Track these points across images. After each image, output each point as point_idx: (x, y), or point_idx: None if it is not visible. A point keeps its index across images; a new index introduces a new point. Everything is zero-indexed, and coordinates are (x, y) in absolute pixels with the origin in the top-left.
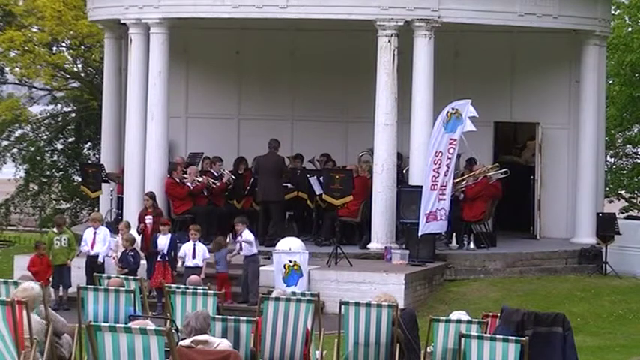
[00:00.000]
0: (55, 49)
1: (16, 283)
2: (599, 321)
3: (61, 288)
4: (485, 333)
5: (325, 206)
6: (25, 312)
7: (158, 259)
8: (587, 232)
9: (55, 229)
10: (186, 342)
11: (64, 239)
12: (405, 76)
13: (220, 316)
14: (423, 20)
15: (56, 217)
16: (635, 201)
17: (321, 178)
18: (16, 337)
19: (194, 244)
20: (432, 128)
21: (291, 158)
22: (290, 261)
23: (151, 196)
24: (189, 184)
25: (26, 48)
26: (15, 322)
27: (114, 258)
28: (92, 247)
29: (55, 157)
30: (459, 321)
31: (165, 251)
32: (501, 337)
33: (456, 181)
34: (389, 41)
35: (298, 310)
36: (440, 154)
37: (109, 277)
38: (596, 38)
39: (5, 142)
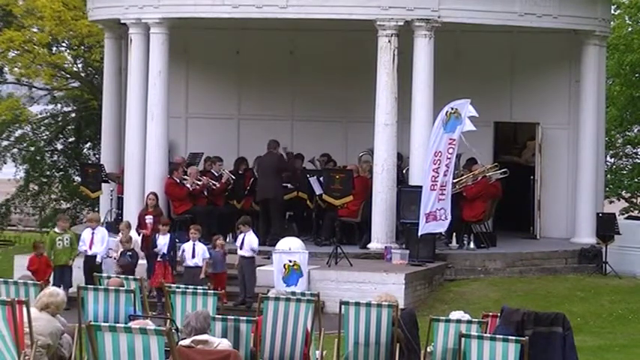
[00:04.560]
0: (54, 49)
1: (16, 283)
2: (599, 321)
3: (61, 288)
4: (485, 333)
5: (325, 206)
6: (25, 312)
7: (158, 259)
8: (587, 232)
9: (56, 229)
10: (186, 342)
11: (67, 239)
12: (405, 76)
13: (220, 316)
14: (423, 20)
15: (59, 217)
16: (635, 201)
17: (321, 178)
18: (16, 337)
19: (194, 244)
20: (432, 128)
21: (290, 154)
22: (290, 261)
23: (156, 195)
24: (188, 185)
25: (26, 48)
26: (15, 322)
27: (115, 258)
28: (90, 247)
29: (55, 157)
30: (459, 321)
31: (165, 251)
32: (501, 337)
33: (455, 181)
34: (389, 41)
35: (298, 310)
36: (439, 154)
37: (108, 277)
38: (596, 38)
39: (5, 142)
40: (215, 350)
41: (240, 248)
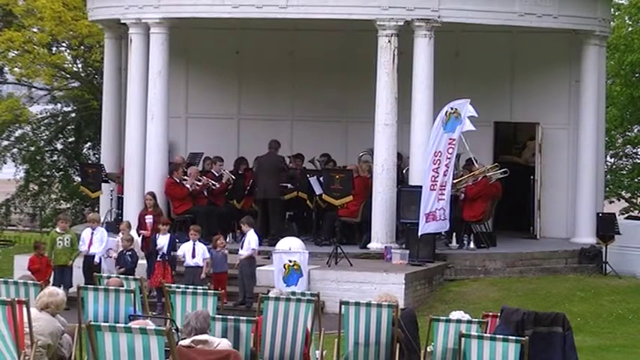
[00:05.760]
0: (54, 49)
1: (16, 283)
2: (599, 321)
3: (62, 288)
4: (485, 333)
5: (325, 206)
6: (25, 312)
7: (158, 259)
8: (587, 232)
9: (57, 229)
10: (186, 342)
11: (67, 239)
12: (405, 76)
13: (220, 316)
14: (423, 20)
15: (59, 217)
16: (635, 201)
17: (321, 178)
18: (16, 337)
19: (194, 244)
20: (432, 128)
21: (291, 157)
22: (290, 261)
23: (153, 195)
24: (188, 185)
25: (26, 48)
26: (15, 322)
27: (114, 258)
28: (89, 247)
29: (55, 157)
30: (459, 321)
31: (165, 251)
32: (501, 337)
33: (455, 181)
34: (389, 41)
35: (298, 310)
36: (439, 154)
37: (108, 277)
38: (596, 38)
39: (5, 142)
40: (215, 350)
41: (241, 248)
